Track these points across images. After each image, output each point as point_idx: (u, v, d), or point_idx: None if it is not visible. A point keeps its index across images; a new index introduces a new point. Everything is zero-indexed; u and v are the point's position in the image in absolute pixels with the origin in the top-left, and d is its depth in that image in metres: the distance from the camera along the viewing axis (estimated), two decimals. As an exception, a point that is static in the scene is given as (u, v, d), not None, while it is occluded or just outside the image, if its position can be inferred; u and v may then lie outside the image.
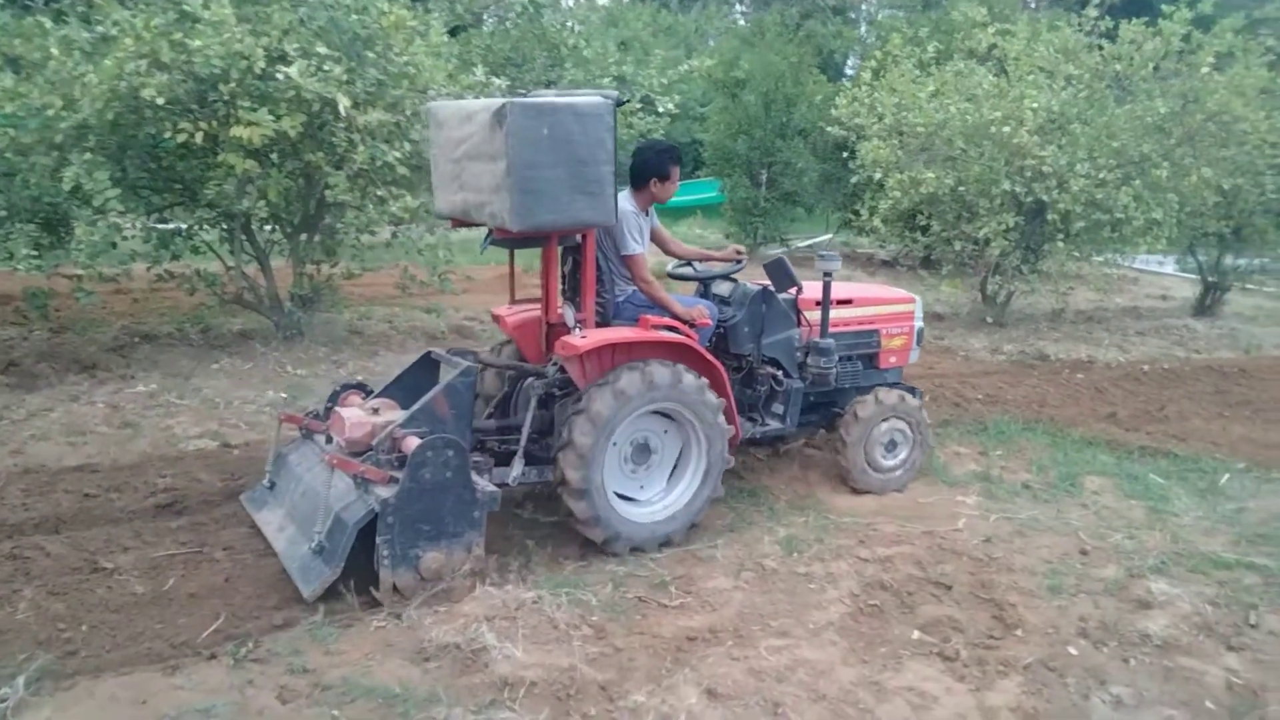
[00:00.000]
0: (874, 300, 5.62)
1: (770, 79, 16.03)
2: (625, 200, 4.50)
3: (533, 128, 3.71)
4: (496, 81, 7.06)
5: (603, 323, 4.50)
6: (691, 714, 3.21)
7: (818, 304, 5.10)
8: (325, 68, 6.07)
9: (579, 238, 4.23)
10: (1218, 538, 4.91)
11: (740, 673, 3.47)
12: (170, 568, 4.08)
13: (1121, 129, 9.26)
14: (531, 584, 4.04)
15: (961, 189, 9.78)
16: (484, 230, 4.35)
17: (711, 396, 4.48)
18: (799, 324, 5.23)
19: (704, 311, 4.71)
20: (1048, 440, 6.46)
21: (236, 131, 5.91)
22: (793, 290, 5.05)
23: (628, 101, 5.53)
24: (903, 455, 5.46)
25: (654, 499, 4.61)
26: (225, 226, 7.50)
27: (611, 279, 4.59)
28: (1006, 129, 9.08)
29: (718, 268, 5.28)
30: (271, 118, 5.96)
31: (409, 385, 4.57)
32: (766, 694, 3.34)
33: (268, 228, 7.81)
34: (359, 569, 3.76)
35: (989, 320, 10.52)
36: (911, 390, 5.60)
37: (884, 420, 5.30)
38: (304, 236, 7.68)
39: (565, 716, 3.16)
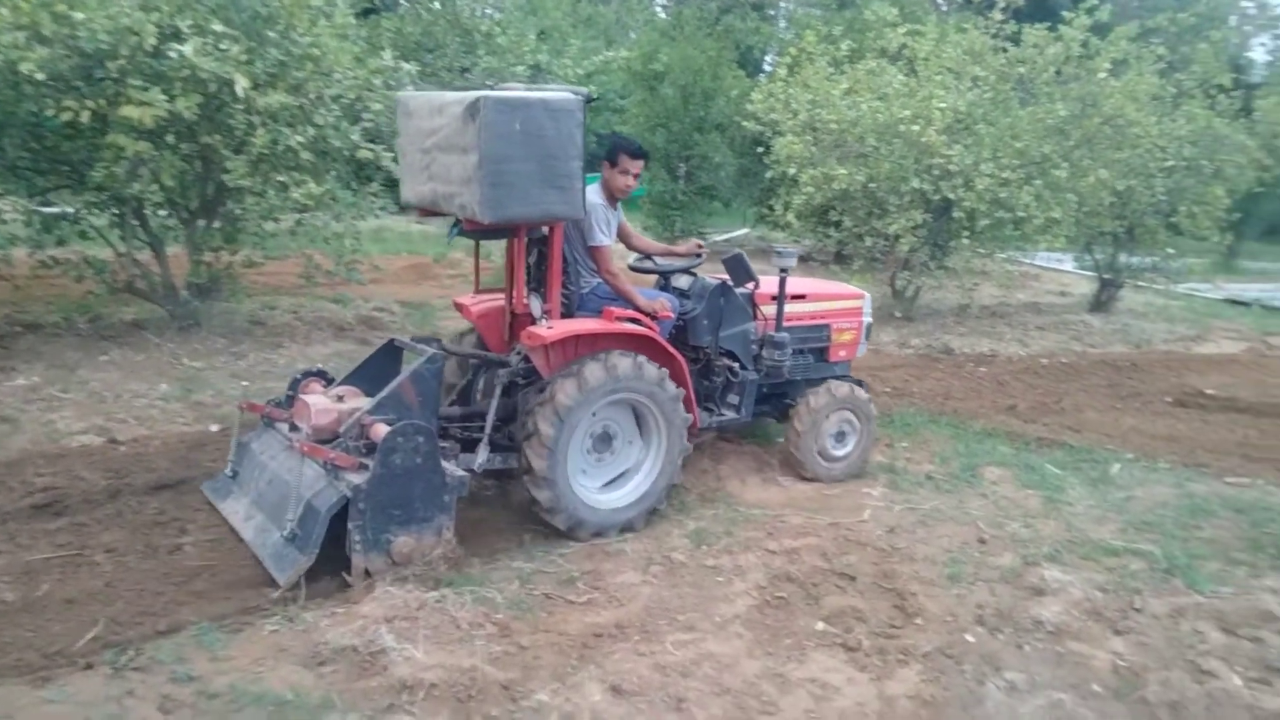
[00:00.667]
0: (826, 296, 5.80)
1: (689, 73, 16.08)
2: (594, 194, 4.59)
3: (505, 122, 3.78)
4: (406, 67, 6.89)
5: (567, 314, 4.56)
6: (595, 712, 3.18)
7: (773, 299, 5.25)
8: (222, 46, 5.81)
9: (546, 230, 4.30)
10: (1107, 525, 5.10)
11: (646, 668, 3.44)
12: (45, 572, 3.85)
13: (1024, 130, 9.57)
14: (434, 582, 3.94)
15: (872, 186, 9.97)
16: (448, 220, 4.36)
17: (671, 387, 4.59)
18: (755, 318, 5.35)
19: (665, 304, 4.83)
20: (950, 432, 6.62)
21: (127, 111, 5.62)
22: (750, 285, 5.19)
23: (597, 99, 5.60)
24: (851, 445, 5.61)
25: (615, 486, 4.71)
26: (116, 211, 7.13)
27: (577, 271, 4.67)
28: (915, 128, 9.28)
29: (679, 262, 5.38)
30: (165, 98, 5.68)
31: (372, 373, 4.60)
32: (671, 689, 3.32)
33: (162, 213, 7.46)
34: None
35: (898, 315, 10.76)
36: (859, 383, 5.74)
37: (834, 411, 5.45)
38: (202, 223, 7.36)
39: (465, 718, 3.09)
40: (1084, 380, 8.74)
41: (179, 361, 6.86)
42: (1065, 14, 10.10)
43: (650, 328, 4.60)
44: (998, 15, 10.50)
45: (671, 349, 4.68)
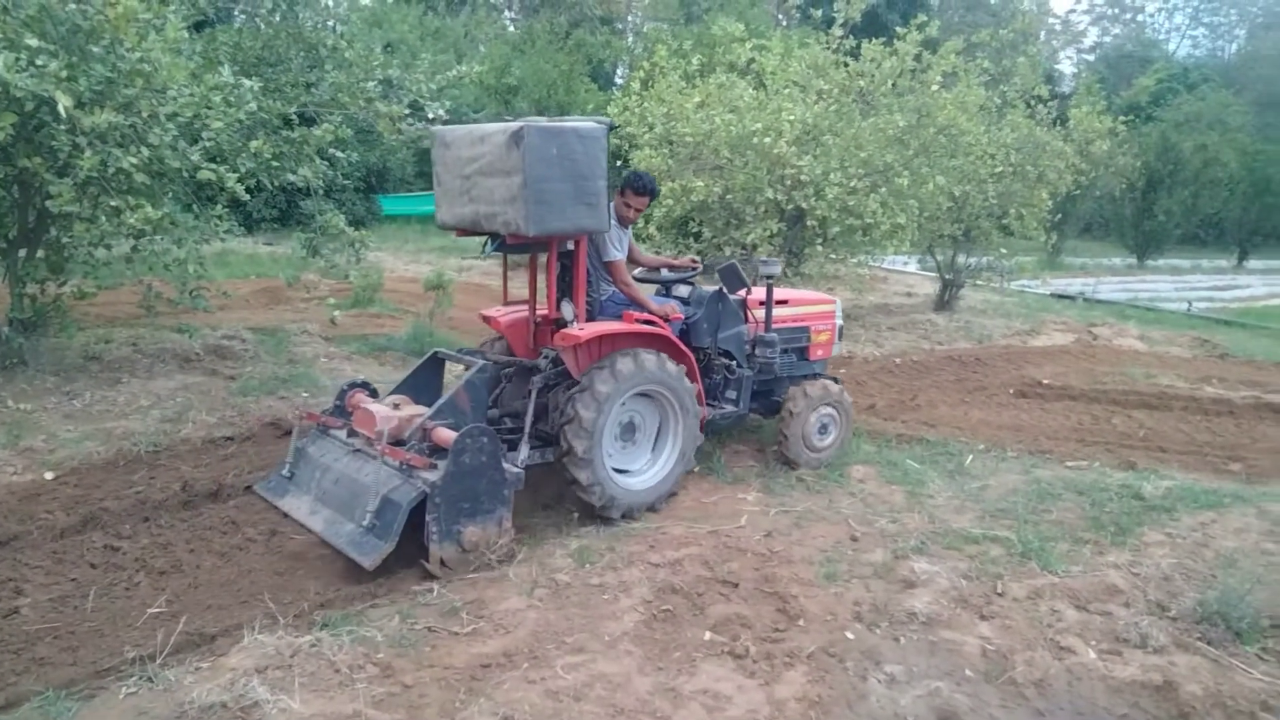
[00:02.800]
0: (804, 301, 6.52)
1: (542, 86, 16.09)
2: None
3: (544, 147, 4.36)
4: (248, 83, 6.53)
5: (589, 319, 5.10)
6: (488, 747, 3.09)
7: (761, 304, 5.91)
8: (39, 62, 5.35)
9: (571, 244, 4.83)
10: (966, 515, 5.38)
11: (537, 695, 3.38)
12: None
13: (868, 140, 10.02)
14: (309, 626, 3.75)
15: (729, 196, 10.21)
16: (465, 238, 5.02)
17: (688, 380, 5.23)
18: (747, 321, 5.99)
19: (675, 309, 5.50)
20: (817, 433, 6.83)
21: (-73, 134, 5.09)
22: (742, 292, 5.87)
23: (617, 127, 5.83)
24: (832, 436, 6.17)
25: (640, 470, 5.28)
26: (-80, 242, 6.46)
27: (596, 281, 5.24)
28: (767, 139, 9.56)
29: (679, 274, 6.01)
30: (-28, 118, 5.18)
31: (418, 383, 5.23)
32: (565, 715, 3.27)
33: (-25, 243, 6.81)
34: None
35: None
36: (834, 379, 6.28)
37: (818, 407, 6.00)
38: (23, 253, 6.76)
39: (350, 768, 2.94)
40: (934, 376, 9.22)
41: (3, 405, 6.27)
42: (899, 30, 10.64)
43: (664, 329, 5.21)
44: (837, 31, 10.97)
45: (684, 347, 5.32)
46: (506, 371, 5.38)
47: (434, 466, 4.31)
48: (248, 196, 6.64)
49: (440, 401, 4.76)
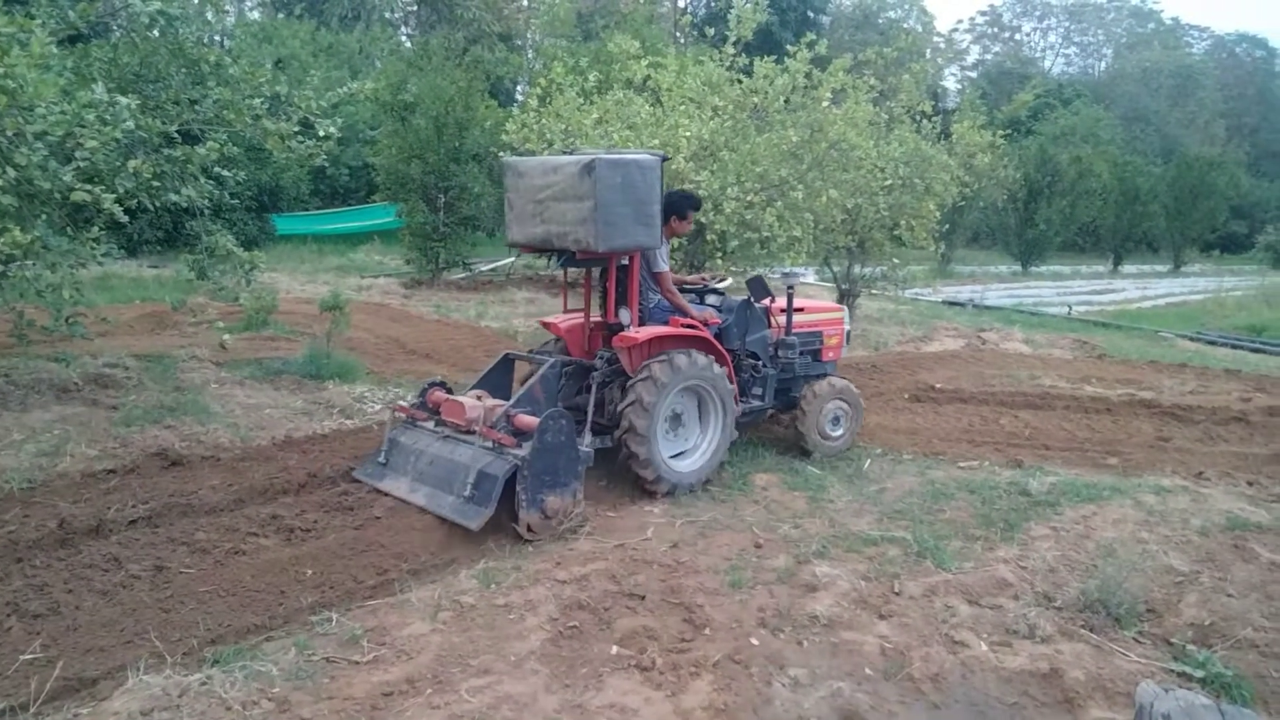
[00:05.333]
0: (818, 309, 7.38)
1: (440, 103, 15.88)
2: None
3: (612, 176, 5.17)
4: (124, 100, 6.26)
5: (641, 325, 5.85)
6: (390, 777, 3.01)
7: (783, 310, 6.68)
8: (-111, 78, 5.03)
9: (626, 259, 5.67)
10: (865, 518, 5.54)
11: (441, 721, 3.31)
12: None
13: (763, 155, 10.22)
14: (198, 663, 3.59)
15: (630, 211, 10.26)
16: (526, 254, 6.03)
17: (727, 379, 5.97)
18: (770, 326, 6.73)
19: (713, 314, 6.31)
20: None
21: None
22: (766, 300, 6.57)
23: (669, 159, 6.81)
24: (844, 429, 6.87)
25: (684, 456, 6.00)
26: None
27: (645, 291, 5.95)
28: (665, 155, 9.67)
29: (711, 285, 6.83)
30: None
31: (493, 381, 6.11)
32: (470, 739, 3.21)
33: None
34: None
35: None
36: (844, 379, 7.01)
37: (830, 401, 6.72)
38: (-125, 281, 6.32)
39: (244, 809, 2.82)
40: (834, 384, 9.43)
41: None
42: (790, 48, 10.92)
43: (705, 333, 5.96)
44: (729, 49, 11.19)
45: (722, 349, 6.05)
46: (566, 370, 6.06)
47: (520, 446, 5.05)
48: (127, 218, 6.34)
49: (519, 393, 5.64)
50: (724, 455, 6.11)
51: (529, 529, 4.97)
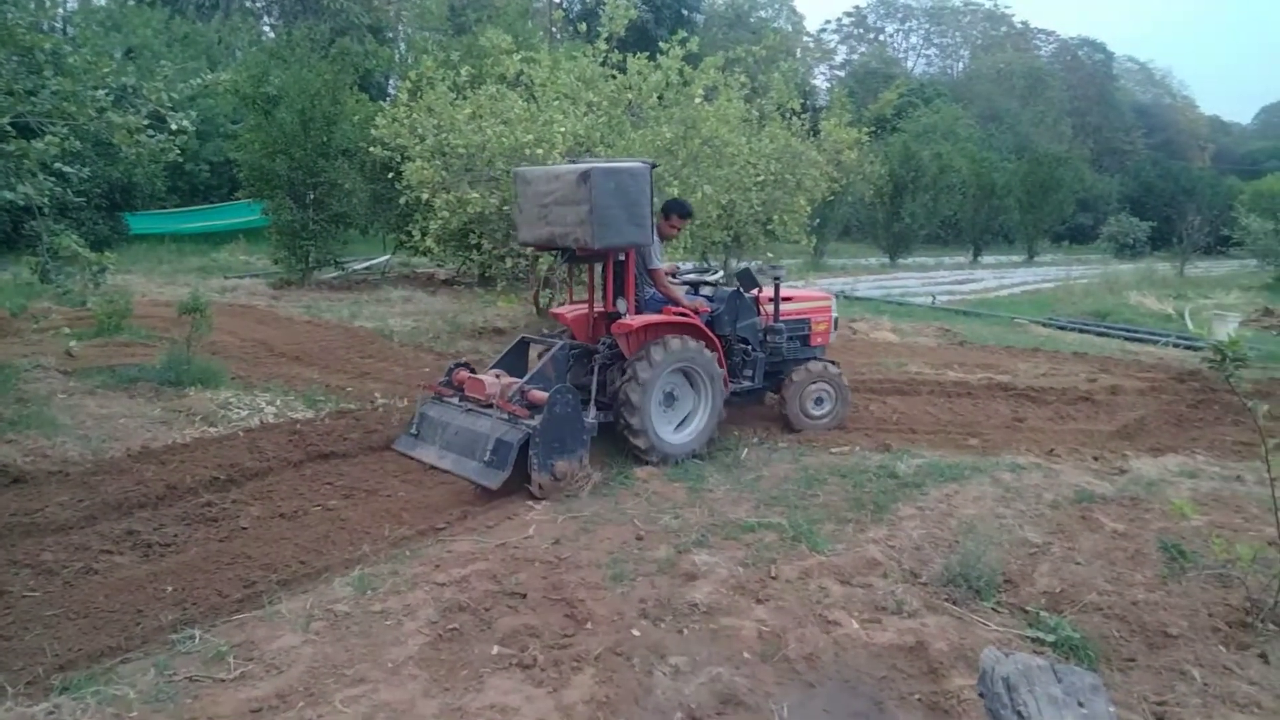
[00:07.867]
0: (805, 298, 7.93)
1: (306, 96, 15.33)
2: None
3: (606, 182, 5.84)
4: (-53, 90, 5.78)
5: (637, 313, 6.50)
6: (259, 797, 2.89)
7: (771, 300, 7.32)
8: None
9: (623, 256, 6.34)
10: (743, 505, 5.65)
11: (314, 735, 3.20)
12: None
13: (638, 151, 10.29)
14: (45, 692, 3.36)
15: (506, 208, 10.16)
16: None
17: (715, 361, 6.62)
18: (759, 313, 7.31)
19: (703, 304, 6.97)
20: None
21: None
22: (755, 290, 7.20)
23: (657, 166, 7.40)
24: (827, 408, 7.46)
25: (677, 429, 6.62)
26: None
27: (641, 284, 6.63)
28: (540, 151, 9.62)
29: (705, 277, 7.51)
30: None
31: (509, 361, 6.80)
32: (344, 751, 3.12)
33: None
34: None
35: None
36: (833, 363, 7.60)
37: (813, 383, 7.36)
38: None
39: (98, 844, 2.66)
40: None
41: None
42: (663, 44, 11.02)
43: (696, 321, 6.64)
44: (602, 45, 11.20)
45: (712, 335, 6.70)
46: (573, 353, 6.70)
47: (533, 417, 5.70)
48: (-45, 217, 5.87)
49: (532, 371, 6.30)
50: (713, 432, 6.68)
51: (540, 488, 5.61)
